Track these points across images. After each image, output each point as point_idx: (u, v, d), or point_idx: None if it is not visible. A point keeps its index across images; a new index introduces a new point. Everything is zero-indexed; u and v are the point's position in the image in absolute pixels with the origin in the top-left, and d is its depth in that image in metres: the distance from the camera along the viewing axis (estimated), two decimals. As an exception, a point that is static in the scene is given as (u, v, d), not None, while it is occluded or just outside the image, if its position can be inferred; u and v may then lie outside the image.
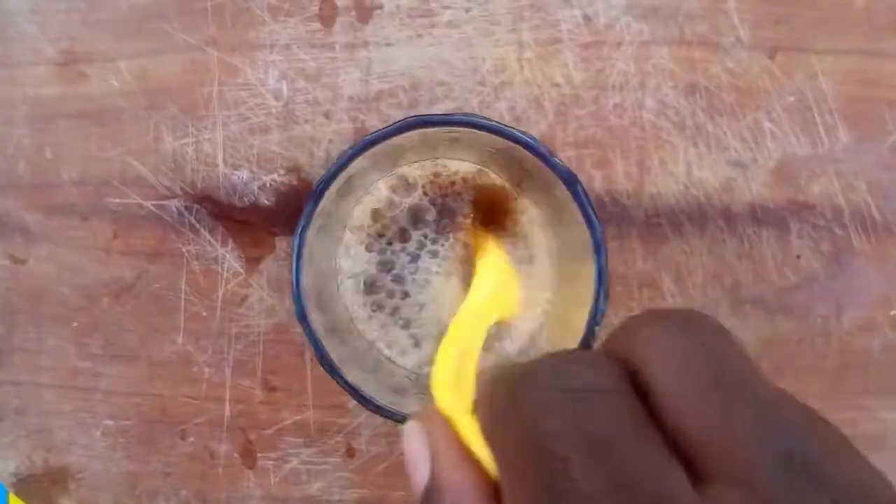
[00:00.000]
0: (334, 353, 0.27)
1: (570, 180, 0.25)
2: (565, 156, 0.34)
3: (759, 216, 0.34)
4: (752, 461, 0.13)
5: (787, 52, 0.33)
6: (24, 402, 0.34)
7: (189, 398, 0.34)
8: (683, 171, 0.34)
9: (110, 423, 0.34)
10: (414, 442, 0.19)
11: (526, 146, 0.25)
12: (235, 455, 0.34)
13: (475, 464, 0.17)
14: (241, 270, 0.34)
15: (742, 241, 0.34)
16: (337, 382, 0.26)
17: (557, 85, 0.34)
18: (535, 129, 0.34)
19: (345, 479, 0.34)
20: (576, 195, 0.25)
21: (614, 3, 0.33)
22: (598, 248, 0.25)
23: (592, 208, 0.25)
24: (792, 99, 0.34)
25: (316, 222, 0.26)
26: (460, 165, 0.31)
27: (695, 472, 0.13)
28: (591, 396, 0.14)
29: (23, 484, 0.35)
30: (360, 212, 0.31)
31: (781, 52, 0.34)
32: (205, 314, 0.34)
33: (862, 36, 0.34)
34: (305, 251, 0.26)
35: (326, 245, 0.30)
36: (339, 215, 0.31)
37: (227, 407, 0.34)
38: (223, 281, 0.34)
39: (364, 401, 0.26)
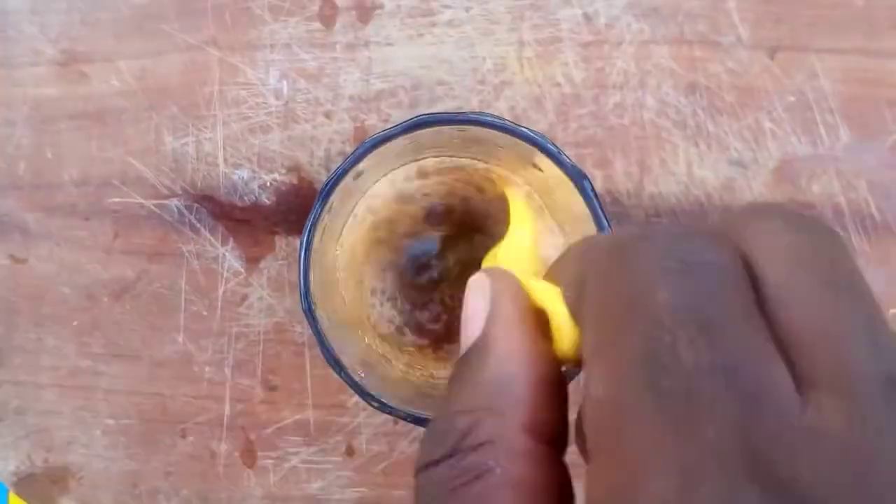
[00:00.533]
0: (337, 349, 0.27)
1: (578, 177, 0.25)
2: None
3: (760, 215, 0.34)
4: (860, 374, 0.12)
5: (788, 52, 0.33)
6: (24, 402, 0.34)
7: (189, 397, 0.34)
8: (684, 170, 0.34)
9: (111, 422, 0.34)
10: (476, 295, 0.17)
11: (534, 143, 0.26)
12: (236, 454, 0.34)
13: (535, 331, 0.16)
14: (241, 270, 0.34)
15: (742, 240, 0.34)
16: (342, 379, 0.26)
17: (558, 84, 0.34)
18: (536, 128, 0.33)
19: (345, 479, 0.34)
20: (584, 192, 0.25)
21: (615, 3, 0.33)
22: None
23: (601, 205, 0.25)
24: (792, 98, 0.34)
25: (324, 218, 0.27)
26: (470, 164, 0.31)
27: (795, 371, 0.12)
28: (708, 271, 0.13)
29: (23, 483, 0.35)
30: (365, 208, 0.31)
31: (782, 52, 0.33)
32: (205, 313, 0.34)
33: (862, 35, 0.34)
34: (314, 246, 0.26)
35: (331, 241, 0.30)
36: (345, 212, 0.31)
37: (228, 406, 0.34)
38: (223, 280, 0.34)
39: (368, 398, 0.26)
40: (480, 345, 0.16)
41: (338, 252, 0.31)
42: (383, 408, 0.26)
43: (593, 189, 0.26)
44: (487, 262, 0.28)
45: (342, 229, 0.31)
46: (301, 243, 0.26)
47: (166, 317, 0.34)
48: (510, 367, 0.15)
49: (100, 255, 0.34)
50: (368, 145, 0.26)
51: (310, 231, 0.26)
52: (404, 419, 0.26)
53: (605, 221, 0.26)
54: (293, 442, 0.34)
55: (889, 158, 0.34)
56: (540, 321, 0.17)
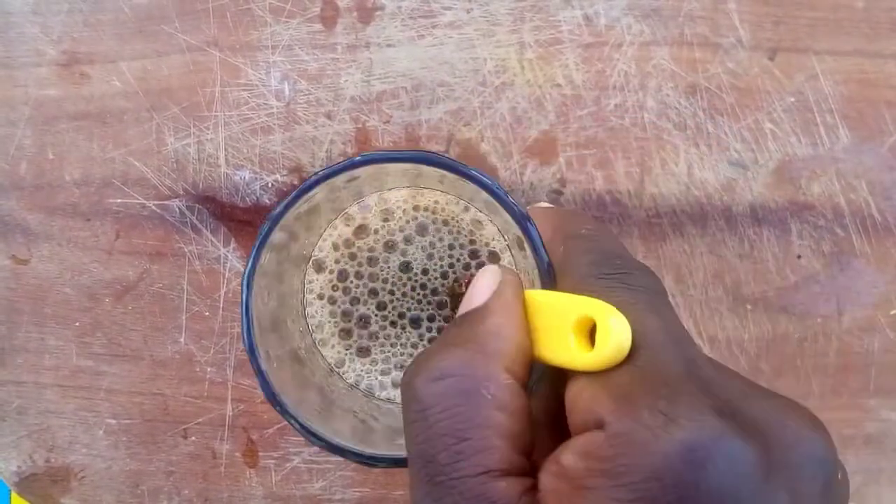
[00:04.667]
0: (295, 381, 0.26)
1: (522, 220, 0.24)
2: (566, 156, 0.34)
3: (760, 216, 0.34)
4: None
5: (788, 53, 0.34)
6: (26, 402, 0.35)
7: (191, 397, 0.34)
8: (684, 171, 0.34)
9: (112, 422, 0.34)
10: (486, 276, 0.21)
11: (482, 185, 0.24)
12: (237, 454, 0.34)
13: (523, 317, 0.20)
14: (242, 270, 0.34)
15: (743, 240, 0.34)
16: (287, 420, 0.25)
17: (558, 85, 0.34)
18: (537, 129, 0.34)
19: (346, 478, 0.34)
20: (527, 234, 0.24)
21: (615, 4, 0.33)
22: (545, 282, 0.25)
23: (543, 244, 0.25)
24: (792, 99, 0.34)
25: (268, 253, 0.26)
26: (435, 196, 0.31)
27: None
28: None
29: (25, 483, 0.35)
30: (328, 236, 0.31)
31: (782, 53, 0.34)
32: (207, 314, 0.34)
33: (862, 36, 0.34)
34: (255, 283, 0.25)
35: (291, 269, 0.30)
36: (304, 240, 0.30)
37: (229, 406, 0.34)
38: (225, 281, 0.34)
39: (313, 437, 0.25)
40: (482, 309, 0.20)
41: (301, 278, 0.31)
42: (331, 448, 0.25)
43: (535, 228, 0.25)
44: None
45: (305, 254, 0.31)
46: (242, 280, 0.25)
47: (168, 317, 0.34)
48: (501, 330, 0.19)
49: (101, 256, 0.34)
50: (309, 183, 0.25)
51: (249, 272, 0.25)
52: (351, 459, 0.25)
53: (544, 256, 0.25)
54: (294, 442, 0.34)
55: (888, 159, 0.34)
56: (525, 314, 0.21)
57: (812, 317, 0.34)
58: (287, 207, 0.26)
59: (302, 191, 0.25)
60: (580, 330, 0.19)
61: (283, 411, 0.25)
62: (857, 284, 0.34)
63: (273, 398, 0.25)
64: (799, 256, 0.34)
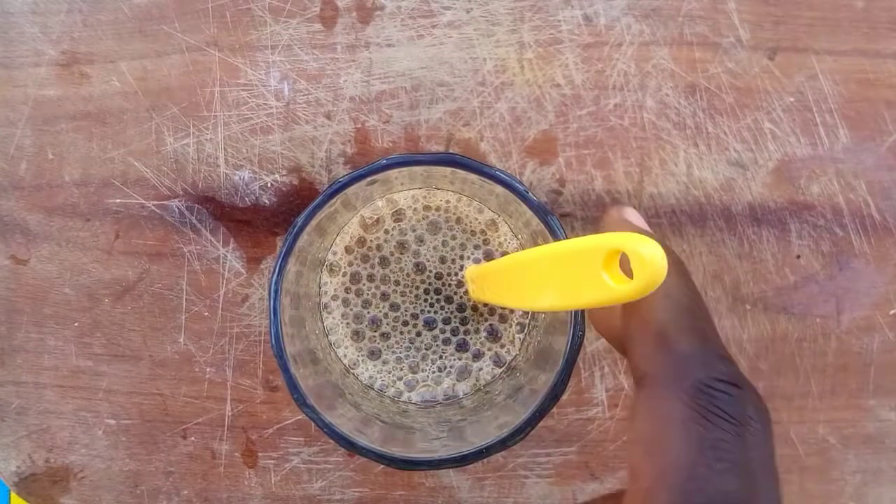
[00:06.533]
0: (312, 381, 0.27)
1: (542, 213, 0.26)
2: (566, 156, 0.34)
3: (759, 216, 0.34)
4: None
5: (787, 53, 0.34)
6: (25, 402, 0.35)
7: (190, 398, 0.34)
8: (684, 171, 0.34)
9: (112, 422, 0.34)
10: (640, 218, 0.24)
11: (502, 183, 0.26)
12: (237, 454, 0.34)
13: None
14: (242, 270, 0.34)
15: (742, 240, 0.34)
16: (316, 424, 0.26)
17: (558, 85, 0.34)
18: (536, 129, 0.34)
19: (346, 479, 0.34)
20: (550, 229, 0.26)
21: (615, 4, 0.33)
22: None
23: (565, 237, 0.26)
24: (792, 99, 0.34)
25: (293, 258, 0.26)
26: (447, 196, 0.32)
27: None
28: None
29: (25, 483, 0.35)
30: (340, 240, 0.32)
31: (781, 53, 0.34)
32: (206, 314, 0.34)
33: (861, 36, 0.34)
34: (283, 289, 0.26)
35: (308, 273, 0.30)
36: (319, 244, 0.31)
37: (229, 406, 0.34)
38: (224, 281, 0.34)
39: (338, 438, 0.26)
40: None
41: (316, 280, 0.31)
42: (355, 448, 0.26)
43: (560, 224, 0.26)
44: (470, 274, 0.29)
45: (321, 256, 0.31)
46: (269, 290, 0.26)
47: (167, 317, 0.34)
48: None
49: (101, 256, 0.34)
50: (337, 187, 0.26)
51: (276, 278, 0.25)
52: (372, 458, 0.26)
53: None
54: (294, 442, 0.34)
55: (888, 159, 0.34)
56: None
57: (811, 317, 0.34)
58: (312, 213, 0.26)
59: (327, 196, 0.26)
60: (610, 266, 0.19)
61: (314, 414, 0.26)
62: (856, 284, 0.34)
63: (302, 401, 0.26)
64: (798, 256, 0.34)
